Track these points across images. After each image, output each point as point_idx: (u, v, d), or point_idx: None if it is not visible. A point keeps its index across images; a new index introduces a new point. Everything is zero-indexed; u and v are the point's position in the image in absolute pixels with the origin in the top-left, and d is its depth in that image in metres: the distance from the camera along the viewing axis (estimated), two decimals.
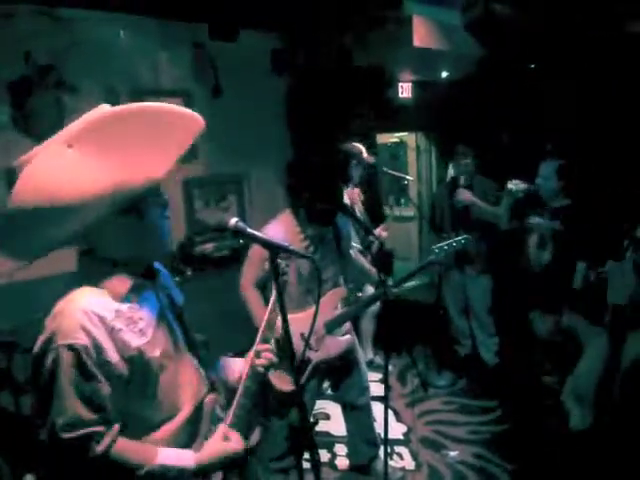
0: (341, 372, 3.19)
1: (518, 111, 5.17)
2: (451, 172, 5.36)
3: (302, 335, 2.67)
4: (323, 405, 4.18)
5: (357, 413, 3.28)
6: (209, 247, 4.62)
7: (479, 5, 4.20)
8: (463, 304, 4.57)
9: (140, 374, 1.44)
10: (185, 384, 1.58)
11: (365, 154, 4.52)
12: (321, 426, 4.02)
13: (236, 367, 1.82)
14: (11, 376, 3.55)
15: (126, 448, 1.40)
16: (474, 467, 3.54)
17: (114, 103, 4.12)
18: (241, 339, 3.18)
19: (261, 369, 1.73)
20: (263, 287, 2.97)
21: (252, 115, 5.06)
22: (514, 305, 4.27)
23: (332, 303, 2.98)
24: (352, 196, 4.48)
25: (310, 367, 2.94)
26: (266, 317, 1.78)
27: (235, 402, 1.67)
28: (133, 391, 1.44)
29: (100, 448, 1.34)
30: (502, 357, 4.50)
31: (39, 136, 4.05)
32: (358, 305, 3.32)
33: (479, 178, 4.41)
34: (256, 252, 2.90)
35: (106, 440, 1.35)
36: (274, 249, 1.62)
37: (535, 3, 4.20)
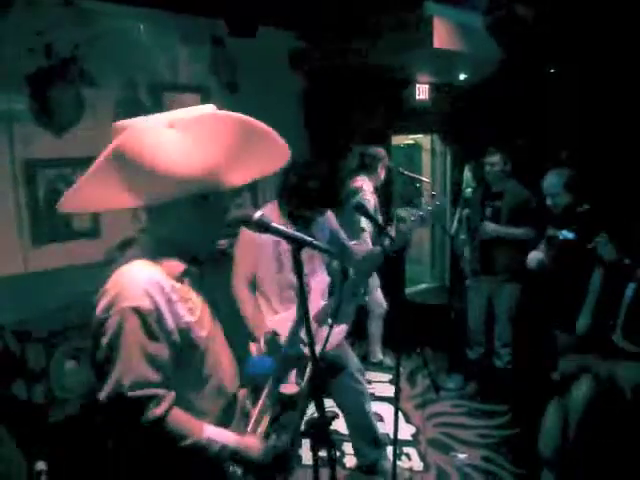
0: (328, 374, 3.15)
1: (535, 116, 5.15)
2: (467, 175, 5.34)
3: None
4: (331, 404, 4.17)
5: (351, 417, 3.27)
6: (223, 243, 4.63)
7: (502, 7, 4.17)
8: (484, 311, 4.51)
9: (189, 349, 1.50)
10: (228, 368, 1.65)
11: (386, 157, 4.64)
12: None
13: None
14: (24, 365, 3.59)
15: (180, 417, 1.45)
16: (482, 470, 3.54)
17: (133, 97, 4.14)
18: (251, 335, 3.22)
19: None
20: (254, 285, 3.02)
21: (269, 112, 4.97)
22: (534, 312, 4.21)
23: (318, 292, 2.97)
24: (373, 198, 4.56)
25: (310, 364, 2.92)
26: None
27: (259, 402, 1.73)
28: (181, 367, 1.48)
29: (159, 411, 1.38)
30: (516, 364, 4.47)
31: (58, 128, 4.09)
32: (344, 292, 3.23)
33: (512, 185, 4.31)
34: (244, 251, 2.95)
35: (165, 404, 1.40)
36: (297, 243, 1.62)
37: (558, 6, 4.18)
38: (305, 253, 2.85)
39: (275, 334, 2.73)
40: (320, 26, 4.87)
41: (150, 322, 1.40)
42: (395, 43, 4.52)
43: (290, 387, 2.81)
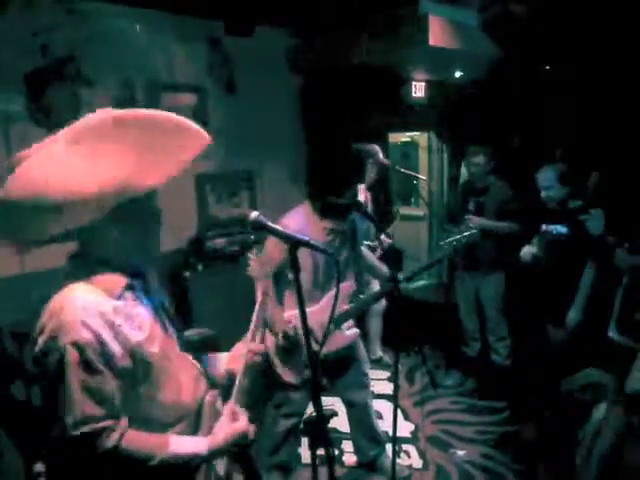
0: (339, 367, 3.17)
1: (531, 113, 5.15)
2: (464, 172, 5.35)
3: (310, 329, 2.70)
4: (331, 402, 4.17)
5: (356, 411, 3.29)
6: (221, 242, 4.64)
7: (497, 5, 4.18)
8: (474, 305, 4.56)
9: (142, 369, 1.44)
10: (185, 381, 1.59)
11: (381, 155, 4.58)
12: (329, 422, 4.03)
13: (220, 364, 1.82)
14: (23, 366, 3.58)
15: (136, 439, 1.41)
16: (481, 467, 3.55)
17: (130, 97, 4.14)
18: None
19: (257, 360, 1.74)
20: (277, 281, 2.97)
21: (265, 112, 5.07)
22: (523, 305, 4.26)
23: (341, 297, 2.98)
24: (365, 195, 4.51)
25: (317, 361, 2.93)
26: (257, 313, 1.78)
27: (236, 384, 1.67)
28: (138, 388, 1.44)
29: (110, 442, 1.35)
30: (514, 360, 4.49)
31: (54, 128, 4.08)
32: (366, 300, 3.32)
33: (495, 181, 4.38)
34: (277, 246, 2.91)
35: (115, 434, 1.36)
36: (294, 242, 1.62)
37: (553, 3, 4.18)
38: (341, 256, 2.91)
39: (296, 329, 2.75)
40: (316, 24, 4.87)
41: (90, 356, 1.34)
42: (391, 41, 4.53)
43: (292, 377, 2.86)
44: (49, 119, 4.01)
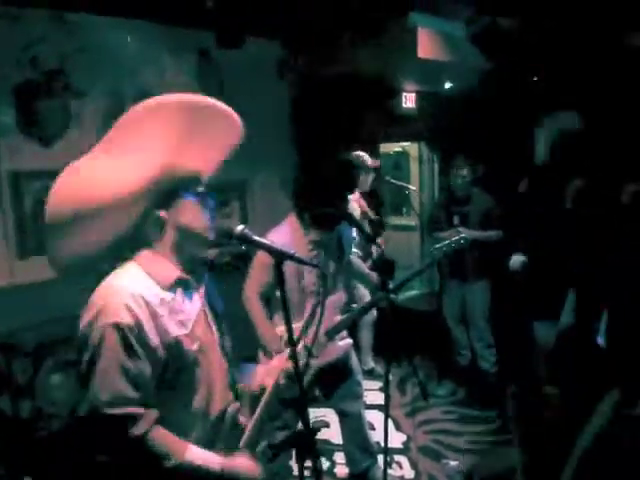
0: (334, 379, 3.16)
1: (521, 123, 5.20)
2: None
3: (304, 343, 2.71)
4: (323, 413, 4.17)
5: (349, 421, 3.27)
6: (211, 253, 4.63)
7: (484, 18, 4.22)
8: (461, 314, 4.58)
9: (176, 363, 1.47)
10: (216, 385, 1.61)
11: (369, 161, 4.58)
12: (321, 434, 4.01)
13: (254, 375, 1.83)
14: (10, 379, 3.56)
15: (161, 436, 1.42)
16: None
17: (120, 108, 4.14)
18: (242, 345, 3.20)
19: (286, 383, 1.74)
20: (267, 298, 2.97)
21: (256, 122, 5.03)
22: (512, 313, 4.28)
23: (332, 309, 2.98)
24: (360, 203, 4.53)
25: (312, 373, 2.93)
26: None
27: (256, 415, 1.66)
28: (168, 381, 1.46)
29: (138, 430, 1.37)
30: (502, 366, 4.49)
31: (44, 140, 4.09)
32: (358, 311, 3.32)
33: (477, 192, 4.42)
34: (260, 262, 2.89)
35: (145, 424, 1.38)
36: (279, 256, 1.62)
37: (540, 16, 4.22)
38: (328, 270, 2.91)
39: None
40: (306, 36, 4.89)
41: (130, 338, 1.38)
42: (380, 53, 4.56)
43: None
44: (38, 130, 4.01)
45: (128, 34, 4.39)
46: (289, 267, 2.87)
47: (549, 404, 3.90)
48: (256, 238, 1.62)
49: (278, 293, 2.84)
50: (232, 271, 4.49)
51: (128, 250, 1.53)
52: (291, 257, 1.64)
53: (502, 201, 4.42)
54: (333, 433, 3.92)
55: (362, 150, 4.94)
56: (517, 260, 4.04)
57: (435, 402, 4.50)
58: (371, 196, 5.02)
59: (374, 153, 6.09)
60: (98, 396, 1.35)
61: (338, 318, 3.01)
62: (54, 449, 3.45)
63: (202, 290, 1.65)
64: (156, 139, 1.41)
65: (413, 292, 6.97)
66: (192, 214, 1.55)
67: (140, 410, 1.38)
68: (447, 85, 5.59)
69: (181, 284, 1.54)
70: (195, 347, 1.51)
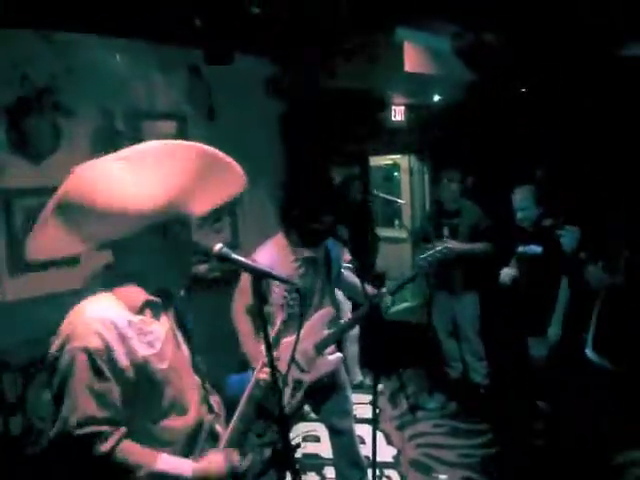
0: (322, 394, 3.14)
1: (509, 134, 5.25)
2: None
3: (292, 358, 2.73)
4: (313, 427, 4.17)
5: (340, 437, 3.24)
6: (202, 269, 4.65)
7: (469, 33, 4.28)
8: (451, 326, 4.60)
9: (146, 383, 1.51)
10: (189, 400, 1.64)
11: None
12: (311, 448, 4.03)
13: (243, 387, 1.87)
14: (1, 395, 3.56)
15: (130, 449, 1.46)
16: None
17: (110, 126, 4.16)
18: (231, 361, 3.22)
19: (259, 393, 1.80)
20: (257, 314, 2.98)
21: (247, 138, 5.10)
22: (503, 326, 4.29)
23: (320, 324, 2.99)
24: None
25: (303, 389, 2.94)
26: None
27: (231, 425, 1.71)
28: (140, 400, 1.51)
29: (105, 447, 1.40)
30: (493, 379, 4.51)
31: (35, 158, 4.10)
32: (346, 324, 3.34)
33: (467, 204, 4.46)
34: (245, 278, 2.91)
35: (111, 440, 1.42)
36: (258, 275, 1.65)
37: (525, 30, 4.27)
38: (316, 285, 2.92)
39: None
40: (294, 52, 4.94)
41: (99, 361, 1.42)
42: (367, 67, 4.61)
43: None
44: (29, 149, 4.03)
45: (117, 52, 4.43)
46: (277, 285, 2.89)
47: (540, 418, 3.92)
48: (234, 256, 1.65)
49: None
50: (223, 286, 4.50)
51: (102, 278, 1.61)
52: (269, 275, 1.67)
53: (491, 213, 4.46)
54: (323, 447, 3.93)
55: (351, 164, 5.01)
56: (507, 274, 4.05)
57: (426, 415, 4.50)
58: (362, 210, 5.07)
59: (365, 167, 6.17)
60: (68, 418, 1.39)
61: (326, 332, 3.03)
62: (45, 466, 3.44)
63: (171, 310, 1.69)
64: (172, 177, 1.50)
65: (404, 304, 6.99)
66: (176, 250, 1.65)
67: (109, 428, 1.42)
68: (436, 98, 5.65)
69: (149, 306, 1.58)
70: (164, 366, 1.55)
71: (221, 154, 1.63)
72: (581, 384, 3.36)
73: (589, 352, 3.22)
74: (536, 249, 3.79)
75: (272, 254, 2.85)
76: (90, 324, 1.45)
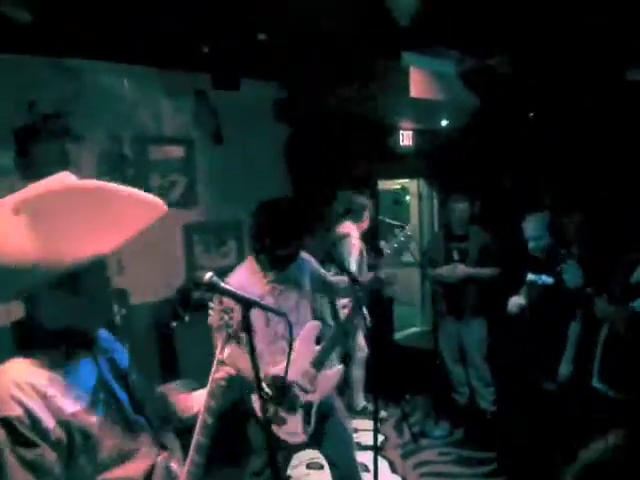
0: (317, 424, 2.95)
1: (517, 160, 5.23)
2: None
3: (295, 382, 2.76)
4: (317, 455, 4.10)
5: (339, 470, 3.03)
6: (208, 293, 4.64)
7: (474, 59, 4.29)
8: (458, 352, 4.55)
9: (80, 439, 1.41)
10: (135, 447, 1.54)
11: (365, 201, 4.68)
12: (314, 476, 3.97)
13: (193, 402, 1.81)
14: None
15: None
16: None
17: (117, 151, 4.21)
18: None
19: (210, 421, 1.67)
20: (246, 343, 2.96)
21: (253, 162, 5.14)
22: (511, 354, 4.24)
23: (309, 339, 2.94)
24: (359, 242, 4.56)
25: (315, 409, 2.88)
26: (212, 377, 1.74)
27: (188, 460, 1.62)
28: (78, 457, 1.41)
29: None
30: (500, 406, 4.44)
31: None
32: (335, 333, 3.21)
33: (475, 229, 4.45)
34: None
35: None
36: (247, 304, 1.65)
37: (530, 54, 4.28)
38: (290, 303, 2.90)
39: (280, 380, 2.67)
40: (301, 77, 4.98)
41: (22, 430, 1.32)
42: (374, 92, 4.64)
43: (294, 436, 2.79)
44: (37, 174, 4.06)
45: (125, 78, 4.50)
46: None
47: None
48: (223, 286, 1.65)
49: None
50: None
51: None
52: (258, 304, 1.67)
53: (500, 238, 4.44)
54: (326, 475, 3.85)
55: (360, 188, 5.02)
56: (515, 303, 3.94)
57: (431, 443, 4.43)
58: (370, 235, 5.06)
59: (372, 191, 6.16)
60: None
61: (316, 348, 2.95)
62: None
63: (99, 355, 1.59)
64: (62, 223, 1.36)
65: (413, 329, 6.93)
66: (89, 297, 1.50)
67: None
68: (444, 123, 5.66)
69: (71, 358, 1.48)
70: (94, 420, 1.45)
71: (118, 188, 1.43)
72: (589, 415, 3.29)
73: (595, 382, 3.16)
74: (547, 279, 3.71)
75: (244, 277, 2.85)
76: (6, 391, 1.34)
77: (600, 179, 4.61)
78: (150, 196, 1.49)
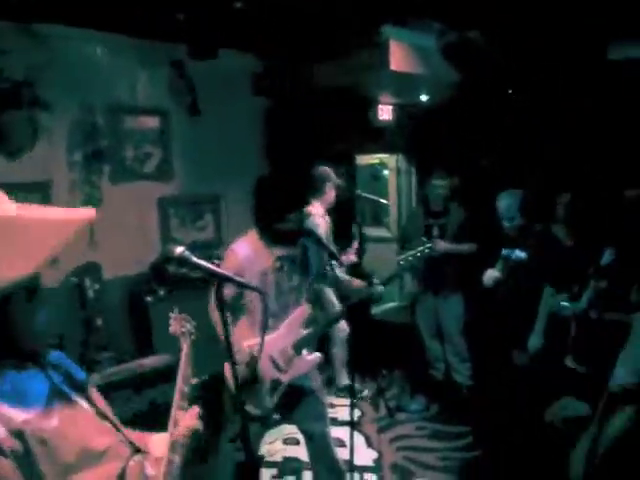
0: (293, 397, 3.02)
1: (496, 137, 5.21)
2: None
3: (271, 357, 2.74)
4: (293, 430, 4.11)
5: (315, 442, 3.14)
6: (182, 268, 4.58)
7: (453, 32, 4.23)
8: (435, 327, 4.56)
9: (38, 446, 1.36)
10: (103, 449, 1.50)
11: (333, 176, 4.55)
12: (290, 451, 3.98)
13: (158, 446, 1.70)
14: None
15: None
16: None
17: (91, 121, 4.09)
18: (213, 361, 3.16)
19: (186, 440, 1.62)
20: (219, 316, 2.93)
21: (230, 135, 5.06)
22: (486, 328, 4.26)
23: (298, 322, 2.93)
24: (325, 220, 4.48)
25: (282, 389, 2.88)
26: (182, 375, 1.70)
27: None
28: (40, 464, 1.36)
29: None
30: (476, 381, 4.47)
31: (11, 153, 4.02)
32: (323, 324, 3.26)
33: (453, 205, 4.44)
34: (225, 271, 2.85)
35: None
36: (219, 279, 1.60)
37: (511, 29, 4.23)
38: (293, 282, 2.88)
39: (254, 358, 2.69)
40: (280, 48, 4.88)
41: None
42: (353, 65, 4.56)
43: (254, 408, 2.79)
44: (5, 143, 3.96)
45: (98, 46, 4.36)
46: (254, 282, 2.82)
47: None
48: (195, 260, 1.60)
49: (243, 302, 2.84)
50: (205, 286, 4.44)
51: None
52: (231, 280, 1.62)
53: (477, 214, 4.43)
54: (303, 450, 3.87)
55: (337, 162, 4.94)
56: (490, 276, 3.99)
57: (407, 418, 4.46)
58: (345, 210, 5.01)
59: (351, 166, 6.11)
60: None
61: (303, 332, 2.96)
62: None
63: (49, 364, 1.54)
64: None
65: (391, 304, 6.94)
66: (16, 319, 1.42)
67: None
68: (423, 97, 5.60)
69: (16, 368, 1.43)
70: (54, 423, 1.41)
71: (20, 216, 1.35)
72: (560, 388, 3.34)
73: (569, 363, 3.20)
74: (520, 254, 3.75)
75: (249, 248, 2.82)
76: None
77: (582, 157, 4.62)
78: (60, 215, 1.41)
